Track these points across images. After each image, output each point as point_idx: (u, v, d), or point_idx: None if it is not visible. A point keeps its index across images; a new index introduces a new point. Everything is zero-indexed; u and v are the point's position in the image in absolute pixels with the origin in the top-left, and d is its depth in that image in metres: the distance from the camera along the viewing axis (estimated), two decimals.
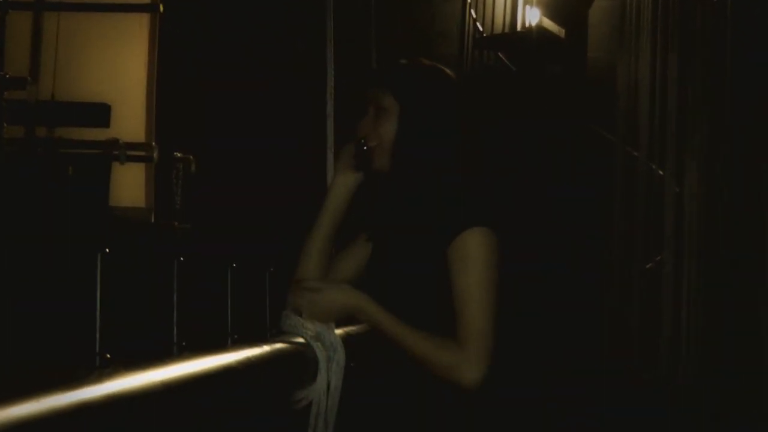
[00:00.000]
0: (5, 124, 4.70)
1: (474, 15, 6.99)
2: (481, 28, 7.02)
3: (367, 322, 2.00)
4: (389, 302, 2.07)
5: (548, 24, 6.98)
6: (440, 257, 1.99)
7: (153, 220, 5.97)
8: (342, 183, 2.18)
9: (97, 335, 1.64)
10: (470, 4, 6.99)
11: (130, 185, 6.06)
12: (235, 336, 2.39)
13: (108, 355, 1.63)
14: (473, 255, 1.97)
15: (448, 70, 2.16)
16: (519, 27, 7.20)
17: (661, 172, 5.45)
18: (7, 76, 4.74)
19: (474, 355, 1.92)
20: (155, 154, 5.72)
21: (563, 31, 6.96)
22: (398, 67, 2.19)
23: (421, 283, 2.03)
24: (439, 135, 2.07)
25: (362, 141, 2.10)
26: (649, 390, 5.08)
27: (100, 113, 5.60)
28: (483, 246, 1.97)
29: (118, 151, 5.32)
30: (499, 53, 7.06)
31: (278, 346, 2.10)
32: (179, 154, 5.67)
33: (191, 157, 5.71)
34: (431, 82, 2.12)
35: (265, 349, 2.04)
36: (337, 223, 2.18)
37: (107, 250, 1.70)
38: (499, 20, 7.19)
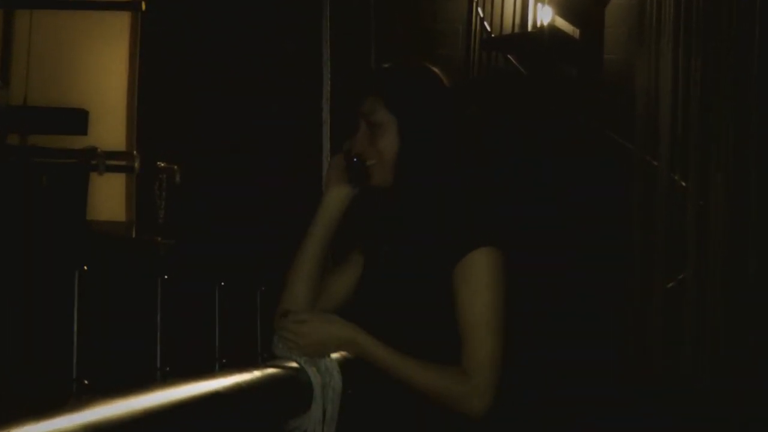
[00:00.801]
0: None
1: (481, 14, 7.00)
2: (489, 28, 7.02)
3: (362, 356, 1.98)
4: (386, 324, 2.06)
5: (561, 23, 6.99)
6: (444, 278, 1.98)
7: (134, 236, 5.97)
8: (334, 197, 2.17)
9: (74, 360, 1.64)
10: (477, 2, 7.01)
11: (109, 197, 6.06)
12: (224, 360, 2.38)
13: (85, 381, 1.63)
14: (480, 277, 1.97)
15: (437, 70, 2.15)
16: (530, 27, 7.21)
17: (683, 183, 5.44)
18: None
19: (483, 385, 1.93)
20: (137, 164, 5.72)
21: (577, 31, 6.97)
22: (387, 75, 2.16)
23: (423, 305, 2.02)
24: (442, 143, 2.06)
25: (353, 155, 2.08)
26: (669, 402, 5.08)
27: (76, 120, 5.60)
28: (490, 267, 1.98)
29: (96, 160, 5.31)
30: (509, 55, 7.07)
31: (270, 371, 2.09)
32: (162, 164, 5.67)
33: (175, 167, 5.71)
34: (425, 87, 2.11)
35: (256, 374, 2.03)
36: (329, 239, 2.17)
37: (85, 267, 1.69)
38: (508, 20, 7.20)
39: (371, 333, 2.07)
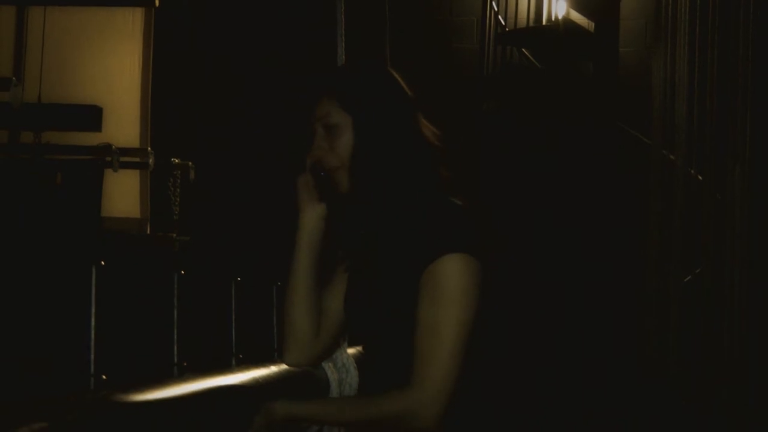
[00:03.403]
0: None
1: (495, 8, 7.00)
2: (503, 22, 7.02)
3: (304, 422, 1.94)
4: (370, 336, 2.05)
5: (576, 17, 6.97)
6: (413, 286, 1.92)
7: (149, 232, 5.99)
8: (310, 218, 2.11)
9: (92, 355, 1.65)
10: None
11: (123, 194, 6.09)
12: (240, 356, 2.39)
13: (104, 376, 1.64)
14: (444, 287, 1.89)
15: (390, 68, 2.10)
16: (544, 20, 7.19)
17: (700, 178, 5.44)
18: None
19: (429, 397, 1.86)
20: (151, 161, 5.75)
21: (592, 24, 6.95)
22: (337, 75, 2.12)
23: (393, 313, 1.99)
24: (402, 141, 2.00)
25: (317, 168, 2.03)
26: (687, 406, 5.08)
27: (90, 116, 5.63)
28: (456, 275, 1.90)
29: (110, 157, 5.34)
30: (523, 49, 7.06)
31: (286, 366, 2.10)
32: (177, 160, 5.69)
33: (190, 163, 5.73)
34: (377, 82, 2.04)
35: (272, 369, 2.04)
36: (316, 261, 2.10)
37: (102, 262, 1.71)
38: (522, 13, 7.19)
39: (356, 338, 2.06)
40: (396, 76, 2.06)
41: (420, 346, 1.89)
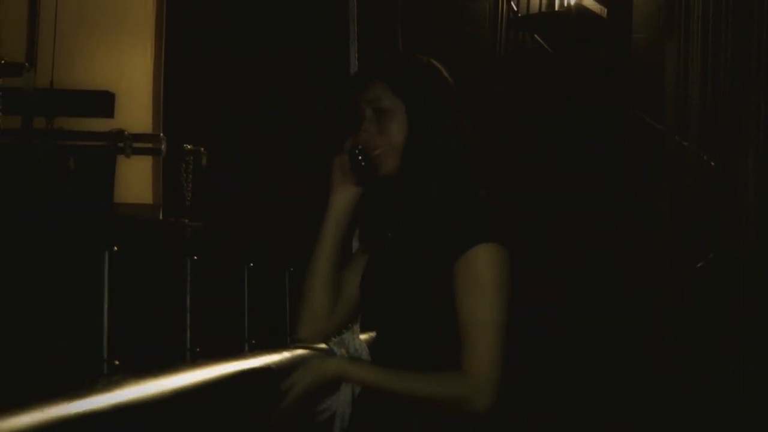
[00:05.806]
0: (0, 114, 4.73)
1: None
2: (515, 8, 7.00)
3: (355, 383, 1.97)
4: (388, 320, 2.06)
5: (589, 2, 6.96)
6: (445, 273, 1.96)
7: (161, 218, 6.00)
8: (341, 200, 2.13)
9: (105, 340, 1.65)
10: None
11: (136, 180, 6.09)
12: (253, 341, 2.39)
13: (116, 362, 1.65)
14: (480, 275, 1.94)
15: (437, 63, 2.13)
16: (557, 6, 7.18)
17: (713, 163, 5.42)
18: (2, 61, 4.76)
19: (483, 383, 1.90)
20: (163, 147, 5.74)
21: (605, 9, 6.93)
22: (390, 61, 2.13)
23: (421, 298, 2.00)
24: (448, 130, 2.03)
25: (357, 151, 2.04)
26: (703, 401, 5.07)
27: (103, 102, 5.62)
28: (493, 264, 1.95)
29: (123, 143, 5.34)
30: (536, 34, 7.05)
31: (299, 352, 2.10)
32: (189, 146, 5.69)
33: (202, 149, 5.72)
34: (428, 72, 2.08)
35: (285, 355, 2.04)
36: (341, 243, 2.14)
37: (115, 248, 1.71)
38: None
39: (373, 322, 2.07)
40: (439, 65, 2.10)
41: (468, 335, 1.93)
